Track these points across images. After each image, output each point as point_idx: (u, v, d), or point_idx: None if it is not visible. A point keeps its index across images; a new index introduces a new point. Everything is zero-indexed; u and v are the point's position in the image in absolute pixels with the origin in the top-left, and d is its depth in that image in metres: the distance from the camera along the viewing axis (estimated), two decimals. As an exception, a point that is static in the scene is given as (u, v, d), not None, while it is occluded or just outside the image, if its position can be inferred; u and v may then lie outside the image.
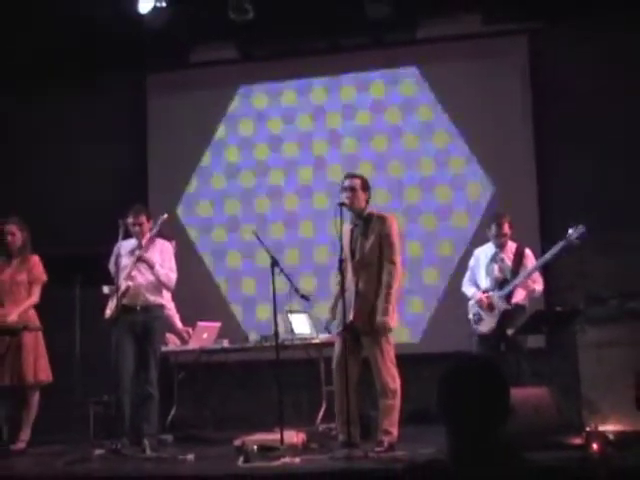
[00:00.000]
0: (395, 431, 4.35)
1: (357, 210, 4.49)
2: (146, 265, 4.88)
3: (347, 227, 4.51)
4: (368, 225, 4.49)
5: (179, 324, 5.74)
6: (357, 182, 4.49)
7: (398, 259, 4.45)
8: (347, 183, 4.49)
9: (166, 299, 5.28)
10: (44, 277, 5.12)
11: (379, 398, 4.38)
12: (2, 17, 6.09)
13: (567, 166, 6.11)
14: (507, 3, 6.03)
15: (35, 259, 5.15)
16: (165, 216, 4.97)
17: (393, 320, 4.43)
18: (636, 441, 4.00)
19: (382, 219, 4.49)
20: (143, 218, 4.97)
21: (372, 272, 4.42)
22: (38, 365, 4.99)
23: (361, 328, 4.40)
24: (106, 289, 4.89)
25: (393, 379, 4.37)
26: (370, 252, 4.44)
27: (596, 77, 6.04)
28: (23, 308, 5.03)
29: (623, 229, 5.73)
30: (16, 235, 5.12)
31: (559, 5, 5.93)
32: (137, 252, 4.92)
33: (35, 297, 5.09)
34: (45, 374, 5.03)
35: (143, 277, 4.90)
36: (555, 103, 6.19)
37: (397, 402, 4.38)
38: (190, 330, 5.66)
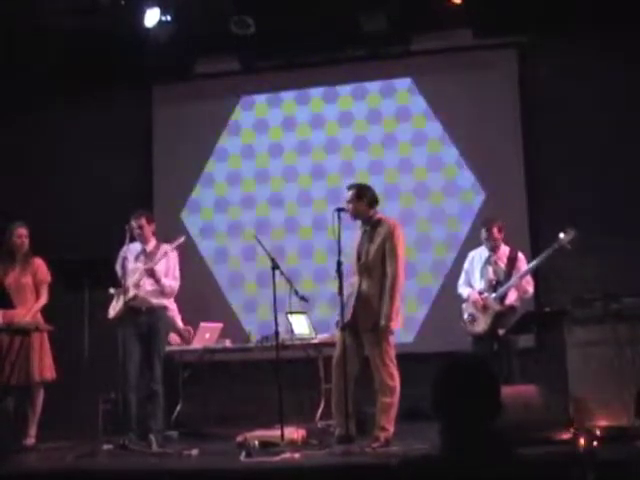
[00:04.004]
0: (391, 428, 4.43)
1: (362, 217, 4.62)
2: (153, 278, 5.00)
3: (358, 232, 4.65)
4: (375, 230, 4.59)
5: (180, 323, 5.85)
6: (350, 194, 4.61)
7: (401, 265, 4.51)
8: (345, 196, 4.63)
9: (168, 300, 5.37)
10: (49, 278, 5.18)
11: (378, 395, 4.45)
12: (8, 29, 6.19)
13: (555, 173, 6.20)
14: (497, 18, 6.10)
15: (39, 262, 5.21)
16: (182, 239, 5.09)
17: (397, 322, 4.50)
18: (620, 436, 4.06)
19: (387, 225, 4.58)
20: (143, 221, 5.07)
21: (375, 275, 4.51)
22: (43, 364, 5.08)
23: (363, 328, 4.49)
24: (112, 290, 5.01)
25: (392, 377, 4.44)
26: (374, 256, 4.53)
27: (582, 87, 6.16)
28: (36, 309, 5.12)
29: (608, 233, 5.79)
30: (26, 239, 5.19)
31: (546, 19, 6.01)
32: (144, 261, 5.02)
33: (44, 298, 5.17)
34: (50, 372, 5.11)
35: (149, 285, 5.03)
36: (543, 112, 6.30)
37: (395, 400, 4.45)
38: (190, 329, 5.76)
